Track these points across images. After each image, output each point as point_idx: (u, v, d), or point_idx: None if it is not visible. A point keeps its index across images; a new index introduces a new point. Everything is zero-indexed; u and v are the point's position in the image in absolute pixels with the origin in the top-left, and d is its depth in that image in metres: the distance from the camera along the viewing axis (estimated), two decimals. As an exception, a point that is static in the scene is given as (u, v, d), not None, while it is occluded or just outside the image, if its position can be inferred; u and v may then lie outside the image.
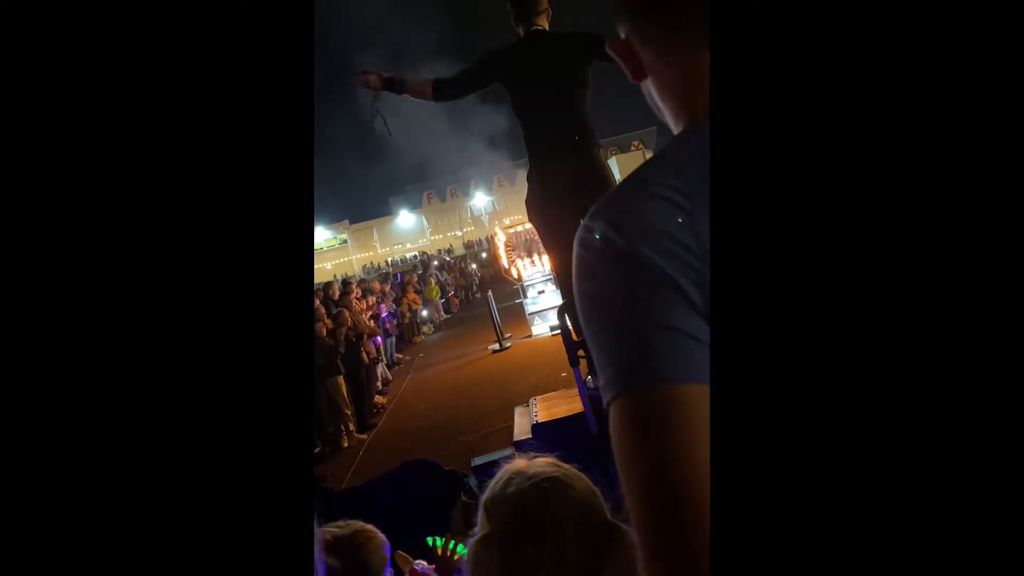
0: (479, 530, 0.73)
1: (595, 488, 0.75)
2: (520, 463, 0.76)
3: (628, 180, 0.47)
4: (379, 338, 7.43)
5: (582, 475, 0.75)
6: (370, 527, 1.15)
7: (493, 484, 0.75)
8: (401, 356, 9.03)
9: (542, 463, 0.75)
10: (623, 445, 0.41)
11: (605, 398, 0.42)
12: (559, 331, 2.50)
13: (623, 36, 0.53)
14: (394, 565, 1.19)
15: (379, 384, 7.03)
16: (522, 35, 2.45)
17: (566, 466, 0.75)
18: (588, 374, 2.37)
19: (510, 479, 0.73)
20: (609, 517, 0.73)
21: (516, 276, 8.21)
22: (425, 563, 1.14)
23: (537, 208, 2.45)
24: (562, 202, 2.37)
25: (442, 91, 2.38)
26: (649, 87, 0.54)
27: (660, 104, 0.54)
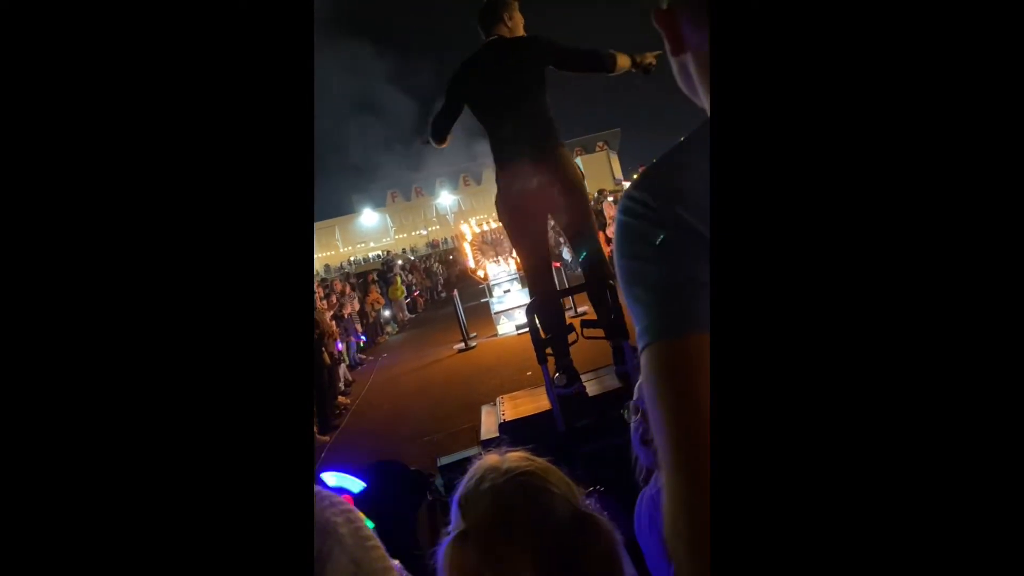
0: (454, 528, 0.72)
1: (569, 480, 0.75)
2: (492, 459, 0.76)
3: (667, 155, 0.51)
4: (340, 343, 7.34)
5: (555, 468, 0.75)
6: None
7: (467, 481, 0.74)
8: (364, 356, 8.93)
9: (515, 458, 0.75)
10: (653, 387, 0.45)
11: (640, 345, 0.46)
12: (526, 330, 2.53)
13: (666, 7, 0.53)
14: None
15: (341, 385, 6.94)
16: (482, 45, 2.53)
17: (539, 460, 0.76)
18: (556, 372, 2.40)
19: (484, 475, 0.73)
20: (584, 508, 0.74)
21: (482, 275, 8.22)
22: (398, 563, 1.14)
23: (506, 209, 2.50)
24: (528, 203, 2.42)
25: (436, 137, 2.62)
26: (686, 61, 0.54)
27: (697, 80, 0.54)
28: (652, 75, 2.53)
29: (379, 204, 35.19)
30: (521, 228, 2.51)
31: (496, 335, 7.75)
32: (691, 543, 0.40)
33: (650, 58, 2.52)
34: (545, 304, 2.48)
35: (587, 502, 0.96)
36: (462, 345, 7.53)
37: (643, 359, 0.46)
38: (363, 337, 9.09)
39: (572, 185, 2.43)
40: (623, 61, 2.47)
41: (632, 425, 1.13)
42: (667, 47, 0.54)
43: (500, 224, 8.88)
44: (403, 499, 2.25)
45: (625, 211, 0.49)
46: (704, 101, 0.54)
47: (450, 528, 0.73)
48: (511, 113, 2.42)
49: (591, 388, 2.40)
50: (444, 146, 2.64)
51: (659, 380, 0.44)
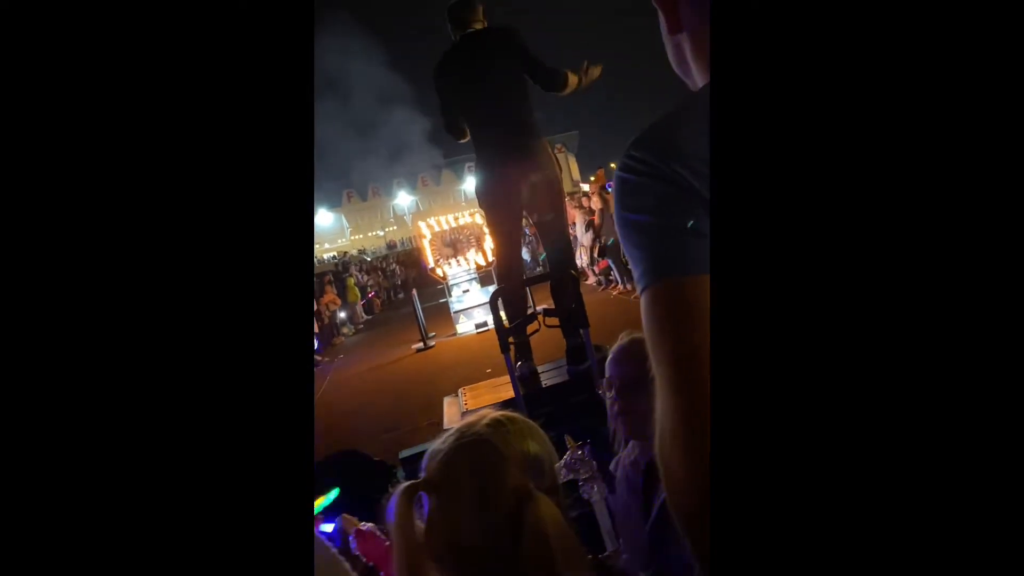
0: (418, 478, 0.75)
1: (529, 453, 0.75)
2: (474, 417, 0.78)
3: (663, 118, 0.53)
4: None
5: (524, 438, 0.76)
6: None
7: (437, 438, 0.77)
8: (320, 358, 8.80)
9: (489, 421, 0.77)
10: (652, 326, 0.48)
11: (639, 288, 0.50)
12: (485, 329, 2.59)
13: None
14: (341, 528, 1.22)
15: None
16: (456, 40, 2.56)
17: (515, 424, 0.77)
18: (518, 360, 2.46)
19: (452, 434, 0.76)
20: (530, 487, 0.74)
21: (441, 275, 8.22)
22: (372, 524, 1.18)
23: (486, 202, 2.58)
24: (508, 197, 2.50)
25: (453, 134, 2.65)
26: (682, 41, 0.57)
27: (691, 59, 0.57)
28: (607, 82, 2.63)
29: (335, 204, 34.51)
30: (499, 221, 2.59)
31: (455, 334, 7.75)
32: (687, 449, 0.44)
33: (595, 72, 2.65)
34: (511, 292, 2.56)
35: (562, 469, 0.98)
36: (420, 345, 7.51)
37: (643, 301, 0.49)
38: (316, 342, 8.95)
39: (550, 180, 2.51)
40: (572, 80, 2.58)
41: (608, 401, 1.19)
42: (663, 27, 0.57)
43: (459, 224, 8.80)
44: (364, 489, 2.27)
45: (624, 168, 0.52)
46: (698, 80, 0.57)
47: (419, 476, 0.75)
48: (493, 110, 2.49)
49: (554, 377, 2.48)
50: (465, 139, 2.66)
51: (659, 317, 0.48)
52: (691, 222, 0.48)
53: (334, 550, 0.76)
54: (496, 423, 0.77)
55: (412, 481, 0.74)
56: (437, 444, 0.76)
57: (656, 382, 0.48)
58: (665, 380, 0.47)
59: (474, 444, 0.74)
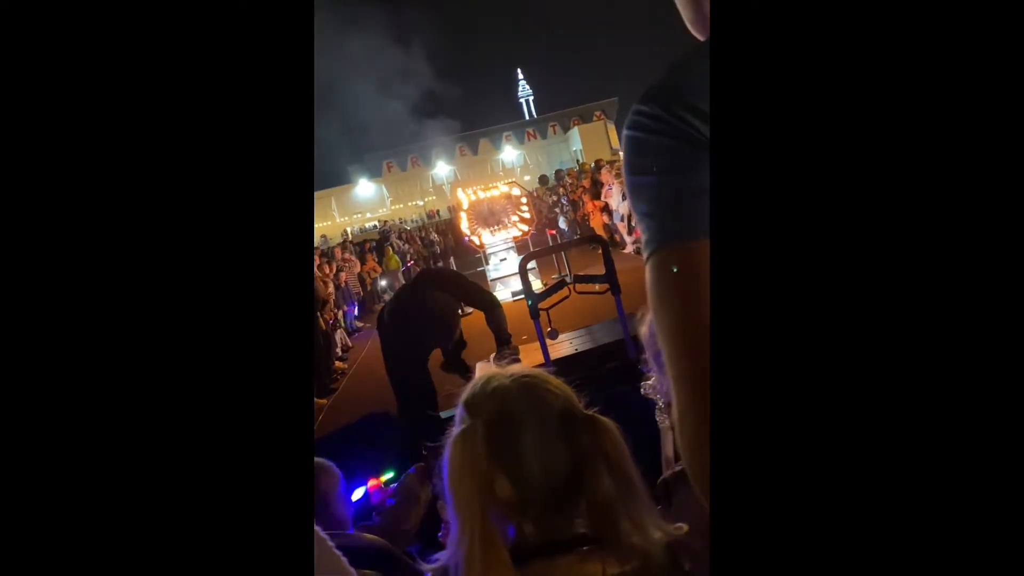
0: (459, 425, 0.73)
1: (567, 387, 0.77)
2: (495, 368, 0.77)
3: (674, 66, 0.51)
4: (353, 305, 7.43)
5: (554, 376, 0.77)
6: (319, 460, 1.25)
7: (471, 386, 0.76)
8: (361, 323, 9.01)
9: (516, 368, 0.77)
10: (656, 294, 0.46)
11: (645, 255, 0.47)
12: (520, 297, 2.61)
13: None
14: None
15: (339, 351, 7.03)
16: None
17: (539, 370, 0.78)
18: (548, 327, 2.49)
19: (489, 379, 0.75)
20: (585, 410, 0.75)
21: (478, 243, 8.25)
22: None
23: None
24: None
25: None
26: None
27: (693, 12, 0.55)
28: (647, 49, 2.59)
29: (375, 174, 34.83)
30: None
31: (492, 303, 7.81)
32: (693, 443, 0.42)
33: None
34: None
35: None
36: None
37: (648, 267, 0.47)
38: (355, 306, 9.17)
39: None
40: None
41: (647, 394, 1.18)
42: None
43: (497, 193, 8.88)
44: (398, 450, 2.34)
45: (633, 125, 0.49)
46: (698, 30, 0.55)
47: (453, 428, 0.74)
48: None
49: (585, 343, 2.49)
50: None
51: (663, 286, 0.45)
52: (668, 148, 0.45)
53: (331, 544, 0.77)
54: (522, 368, 0.78)
55: (466, 426, 0.73)
56: (475, 391, 0.76)
57: (663, 355, 0.45)
58: (669, 353, 0.45)
59: (523, 379, 0.75)
